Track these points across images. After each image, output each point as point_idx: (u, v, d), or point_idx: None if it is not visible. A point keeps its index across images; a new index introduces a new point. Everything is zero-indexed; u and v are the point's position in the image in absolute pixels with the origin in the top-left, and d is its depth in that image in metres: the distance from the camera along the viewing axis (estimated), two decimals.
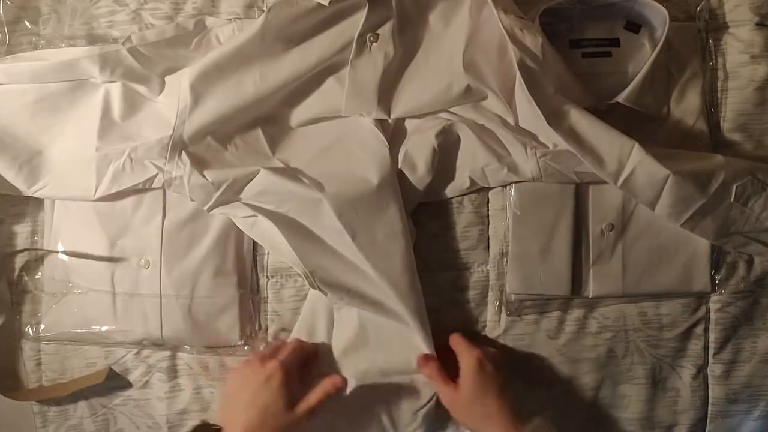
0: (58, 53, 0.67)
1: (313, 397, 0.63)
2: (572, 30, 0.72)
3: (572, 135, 0.64)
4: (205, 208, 0.67)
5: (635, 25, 0.72)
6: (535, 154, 0.67)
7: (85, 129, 0.68)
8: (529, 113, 0.64)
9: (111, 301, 0.71)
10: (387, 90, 0.68)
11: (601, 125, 0.65)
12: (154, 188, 0.69)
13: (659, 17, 0.68)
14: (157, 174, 0.66)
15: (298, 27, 0.66)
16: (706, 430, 0.76)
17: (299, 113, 0.70)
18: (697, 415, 0.76)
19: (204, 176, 0.66)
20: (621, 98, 0.67)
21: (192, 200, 0.67)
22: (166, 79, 0.69)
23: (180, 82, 0.67)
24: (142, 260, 0.71)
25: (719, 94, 0.74)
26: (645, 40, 0.72)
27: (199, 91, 0.66)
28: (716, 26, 0.74)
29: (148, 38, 0.67)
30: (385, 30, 0.66)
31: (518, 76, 0.63)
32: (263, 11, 0.72)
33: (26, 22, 0.72)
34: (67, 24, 0.72)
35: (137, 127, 0.68)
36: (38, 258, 0.73)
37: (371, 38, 0.66)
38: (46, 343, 0.75)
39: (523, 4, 0.72)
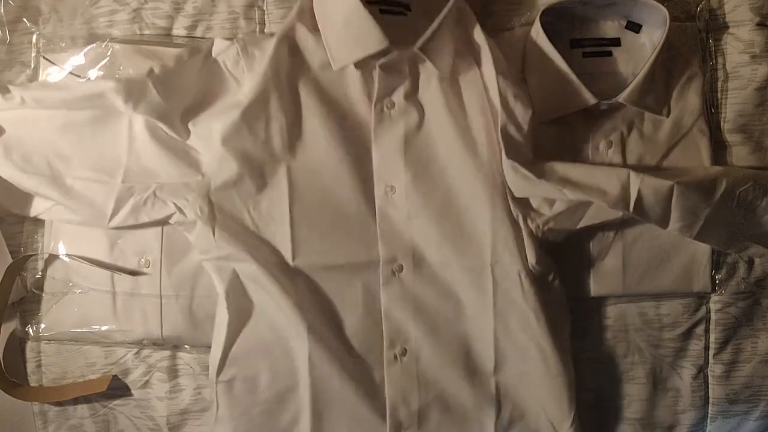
0: (84, 85, 0.66)
1: None
2: (573, 29, 0.72)
3: (567, 182, 0.64)
4: (200, 257, 0.67)
5: (636, 24, 0.72)
6: (538, 225, 0.66)
7: (106, 158, 0.68)
8: (518, 179, 0.64)
9: (111, 300, 0.71)
10: (412, 152, 0.67)
11: (589, 166, 0.65)
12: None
13: (660, 17, 0.68)
14: (175, 213, 0.66)
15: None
16: (707, 430, 0.76)
17: (322, 178, 0.67)
18: (697, 415, 0.76)
19: (213, 234, 0.65)
20: (621, 98, 0.67)
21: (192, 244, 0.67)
22: (191, 125, 0.67)
23: (210, 128, 0.66)
24: (143, 260, 0.71)
25: (719, 95, 0.74)
26: (645, 39, 0.72)
27: (230, 144, 0.65)
28: (716, 26, 0.74)
29: (168, 65, 0.66)
30: (399, 95, 0.67)
31: (500, 141, 0.64)
32: (263, 11, 0.73)
33: (26, 21, 0.72)
34: (67, 23, 0.72)
35: (161, 164, 0.67)
36: (38, 258, 0.73)
37: (388, 105, 0.67)
38: (47, 343, 0.75)
39: (523, 4, 0.73)
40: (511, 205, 0.66)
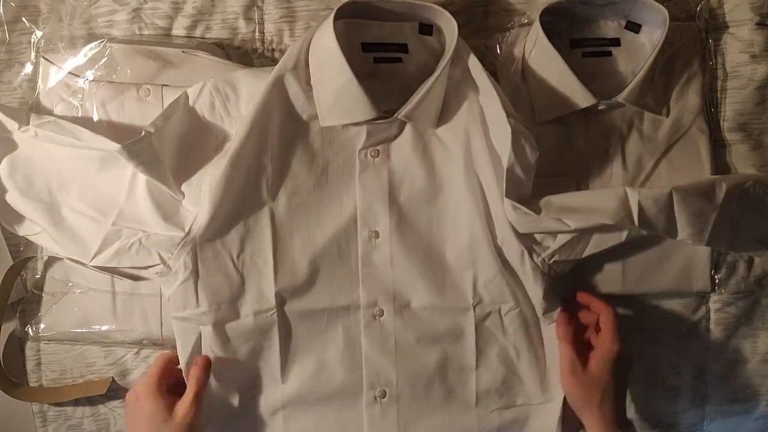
0: (95, 139, 0.65)
1: (188, 390, 0.64)
2: (573, 29, 0.72)
3: (566, 210, 0.64)
4: (173, 314, 0.67)
5: (636, 24, 0.72)
6: (544, 260, 0.66)
7: (105, 196, 0.67)
8: (518, 216, 0.64)
9: (111, 300, 0.72)
10: (396, 199, 0.68)
11: (584, 192, 0.65)
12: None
13: (659, 17, 0.68)
14: (159, 264, 0.66)
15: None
16: (706, 429, 0.77)
17: (310, 227, 0.68)
18: (696, 414, 0.76)
19: (195, 290, 0.66)
20: (621, 98, 0.67)
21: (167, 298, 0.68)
22: (185, 187, 0.67)
23: (201, 185, 0.66)
24: None
25: (719, 94, 0.74)
26: (645, 39, 0.72)
27: (217, 195, 0.65)
28: (716, 26, 0.74)
29: (158, 123, 0.65)
30: (384, 146, 0.68)
31: (504, 181, 0.63)
32: (262, 11, 0.73)
33: (25, 21, 0.72)
34: (66, 23, 0.72)
35: (152, 219, 0.67)
36: (38, 258, 0.73)
37: (373, 153, 0.68)
38: (46, 343, 0.75)
39: (523, 4, 0.73)
40: (515, 242, 0.66)
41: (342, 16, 0.64)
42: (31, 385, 0.76)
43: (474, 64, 0.65)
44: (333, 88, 0.64)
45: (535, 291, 0.67)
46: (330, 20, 0.62)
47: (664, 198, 0.62)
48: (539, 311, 0.68)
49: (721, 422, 0.76)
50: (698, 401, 0.76)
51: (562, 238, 0.66)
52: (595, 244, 0.66)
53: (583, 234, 0.66)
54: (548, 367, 0.70)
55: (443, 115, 0.67)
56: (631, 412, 0.75)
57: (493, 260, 0.67)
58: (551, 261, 0.67)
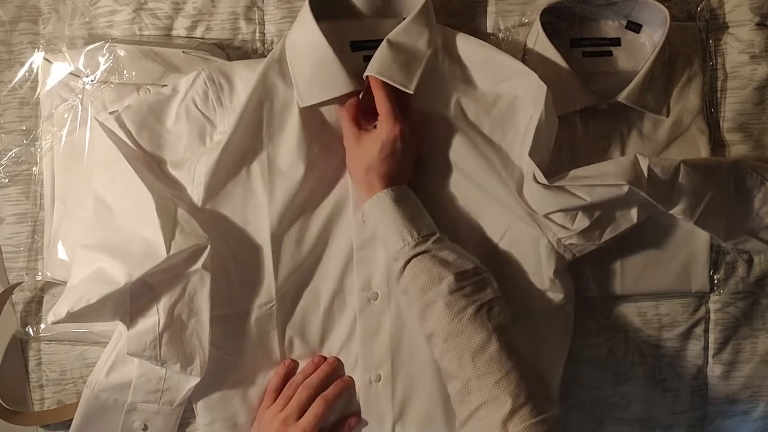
0: None
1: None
2: (573, 29, 0.72)
3: (579, 178, 0.64)
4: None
5: (636, 24, 0.72)
6: (560, 241, 0.66)
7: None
8: (534, 191, 0.65)
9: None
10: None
11: (596, 164, 0.66)
12: None
13: (660, 17, 0.68)
14: None
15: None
16: (706, 430, 0.77)
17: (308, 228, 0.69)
18: (696, 415, 0.76)
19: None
20: (621, 97, 0.68)
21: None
22: (175, 171, 0.68)
23: (193, 173, 0.67)
24: None
25: (719, 94, 0.74)
26: (646, 39, 0.72)
27: (209, 179, 0.66)
28: (716, 26, 0.74)
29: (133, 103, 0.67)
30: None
31: (530, 141, 0.63)
32: (263, 11, 0.73)
33: (27, 20, 0.72)
34: (67, 23, 0.72)
35: None
36: (38, 258, 0.73)
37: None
38: (47, 343, 0.75)
39: (524, 4, 0.73)
40: (531, 224, 0.67)
41: (317, 7, 0.64)
42: (32, 384, 0.76)
43: (465, 41, 0.66)
44: (310, 63, 0.64)
45: (546, 271, 0.67)
46: (306, 2, 0.63)
47: (672, 169, 0.63)
48: (545, 288, 0.67)
49: (720, 423, 0.76)
50: (698, 402, 0.76)
51: (581, 223, 0.65)
52: (611, 230, 0.66)
53: (599, 215, 0.65)
54: (544, 358, 0.70)
55: (439, 98, 0.67)
56: (631, 412, 0.75)
57: (483, 252, 0.67)
58: (568, 243, 0.66)
